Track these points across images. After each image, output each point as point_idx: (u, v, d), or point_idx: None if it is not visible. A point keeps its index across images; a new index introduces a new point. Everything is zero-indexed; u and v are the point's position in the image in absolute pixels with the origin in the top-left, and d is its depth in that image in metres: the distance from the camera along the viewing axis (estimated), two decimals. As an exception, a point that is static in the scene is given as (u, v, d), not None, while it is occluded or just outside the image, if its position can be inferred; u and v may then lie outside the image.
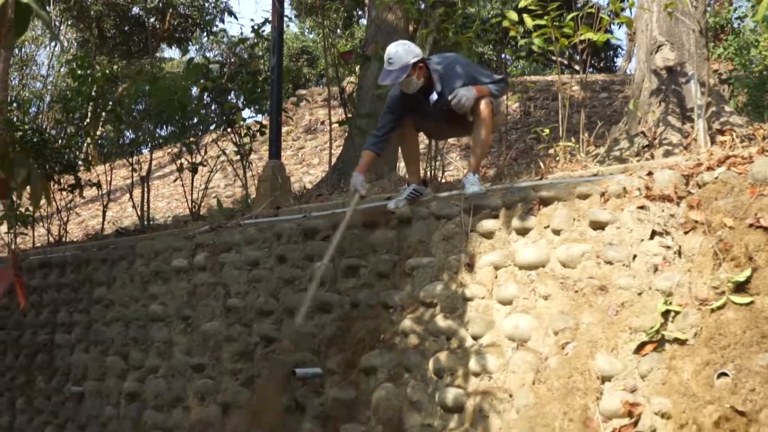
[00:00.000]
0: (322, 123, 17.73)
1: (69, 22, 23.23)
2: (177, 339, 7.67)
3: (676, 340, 4.80)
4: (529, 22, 7.42)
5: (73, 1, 21.31)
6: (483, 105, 6.27)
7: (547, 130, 7.85)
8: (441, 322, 5.86)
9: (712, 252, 4.90)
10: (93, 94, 11.45)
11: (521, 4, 7.29)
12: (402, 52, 6.28)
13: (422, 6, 8.63)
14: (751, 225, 4.84)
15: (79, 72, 11.19)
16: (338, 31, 24.86)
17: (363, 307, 6.41)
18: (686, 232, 5.09)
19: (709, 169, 5.30)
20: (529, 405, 5.19)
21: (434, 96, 6.40)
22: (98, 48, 22.35)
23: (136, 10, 21.99)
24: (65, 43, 25.33)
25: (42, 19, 3.79)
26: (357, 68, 10.69)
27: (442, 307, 5.90)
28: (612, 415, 4.82)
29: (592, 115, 16.16)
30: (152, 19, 22.54)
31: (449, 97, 6.23)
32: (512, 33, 7.61)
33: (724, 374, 4.49)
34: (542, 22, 7.29)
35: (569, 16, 7.27)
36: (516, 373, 5.34)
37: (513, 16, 7.49)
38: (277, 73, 8.87)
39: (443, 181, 9.03)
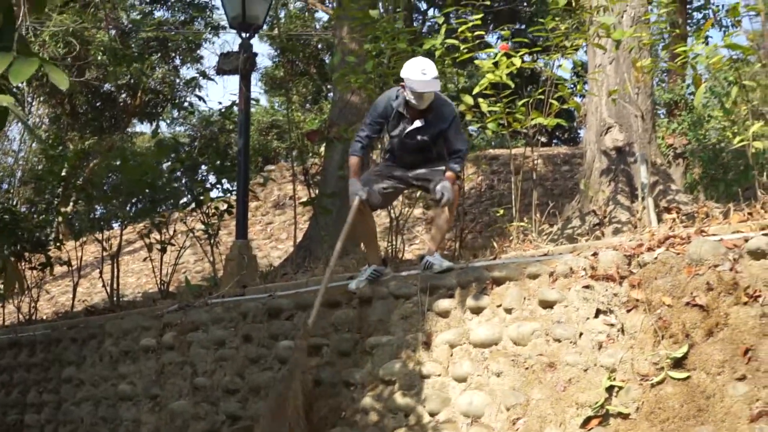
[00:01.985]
0: (291, 198, 18.00)
1: (41, 99, 23.45)
2: (145, 418, 7.79)
3: (620, 414, 5.07)
4: (484, 106, 7.76)
5: (45, 78, 21.58)
6: (454, 190, 6.53)
7: (501, 211, 8.15)
8: (399, 399, 6.09)
9: (652, 329, 5.19)
10: (64, 173, 11.65)
11: (475, 90, 7.63)
12: (434, 66, 6.50)
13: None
14: (687, 303, 5.14)
15: (51, 152, 11.42)
16: (306, 105, 25.24)
17: (325, 385, 6.62)
18: (628, 311, 5.37)
19: (649, 249, 5.60)
20: (483, 479, 5.42)
21: (419, 123, 6.59)
22: (70, 124, 22.60)
23: (107, 86, 22.27)
24: (37, 119, 25.54)
25: (20, 119, 4.02)
26: (322, 148, 11.01)
27: (401, 385, 6.13)
28: (562, 488, 5.06)
29: (554, 188, 16.58)
30: (123, 95, 22.86)
31: (436, 194, 6.44)
32: (468, 116, 7.93)
33: (664, 447, 4.75)
34: (495, 108, 7.64)
35: (520, 102, 7.61)
36: (471, 449, 5.57)
37: (469, 100, 7.81)
38: (243, 155, 9.13)
39: (404, 257, 9.28)
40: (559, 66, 7.80)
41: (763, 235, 5.17)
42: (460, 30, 7.61)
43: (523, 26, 19.88)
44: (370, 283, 6.77)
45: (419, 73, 6.35)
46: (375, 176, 6.87)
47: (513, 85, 7.47)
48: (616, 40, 7.02)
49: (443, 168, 6.65)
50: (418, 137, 6.62)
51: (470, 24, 7.56)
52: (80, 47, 18.17)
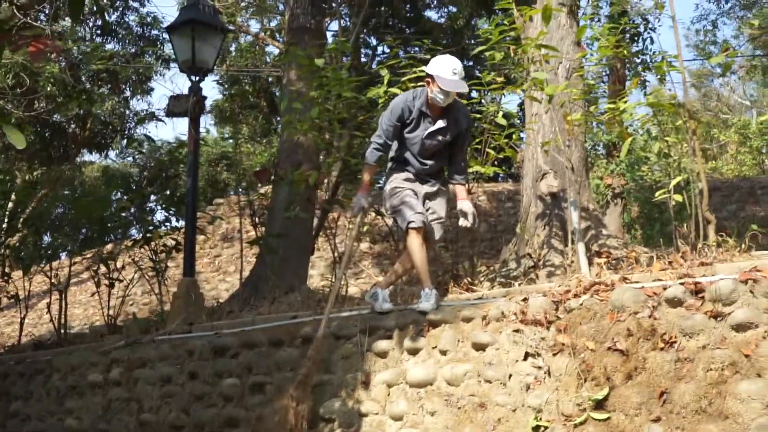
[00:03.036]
0: (239, 231, 18.19)
1: (12, 126, 23.30)
2: (91, 453, 7.94)
3: (546, 453, 5.36)
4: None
5: (-5, 109, 21.55)
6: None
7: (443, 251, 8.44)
8: (339, 437, 6.34)
9: (576, 372, 5.50)
10: (11, 204, 11.74)
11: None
12: (462, 67, 6.54)
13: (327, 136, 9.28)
14: (609, 348, 5.46)
15: (-1, 187, 11.52)
16: (257, 138, 25.44)
17: (268, 423, 6.83)
18: (555, 354, 5.68)
19: (576, 296, 5.93)
20: None
21: (442, 123, 6.63)
22: (18, 154, 22.54)
23: (57, 117, 22.25)
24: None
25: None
26: (269, 188, 11.23)
27: (340, 423, 6.38)
28: None
29: (498, 224, 17.00)
30: (73, 126, 22.86)
31: (467, 216, 6.60)
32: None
33: (584, 484, 5.05)
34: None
35: None
36: (405, 486, 5.83)
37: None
38: (192, 196, 9.31)
39: (348, 293, 9.52)
40: (495, 117, 8.11)
41: (680, 284, 5.52)
42: (402, 80, 7.92)
43: (471, 63, 20.34)
44: (437, 305, 6.51)
45: (450, 72, 6.39)
46: (411, 199, 6.64)
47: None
48: (548, 95, 7.37)
49: (444, 188, 6.88)
50: (440, 137, 6.70)
51: (411, 76, 7.88)
52: (29, 79, 18.17)
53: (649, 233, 13.69)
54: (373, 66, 19.41)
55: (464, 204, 6.63)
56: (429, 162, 6.78)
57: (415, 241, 6.50)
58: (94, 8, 19.36)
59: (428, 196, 6.82)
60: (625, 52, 7.62)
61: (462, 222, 6.61)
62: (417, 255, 6.56)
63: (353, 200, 6.80)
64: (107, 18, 21.10)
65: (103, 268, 10.68)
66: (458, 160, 6.86)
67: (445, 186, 6.99)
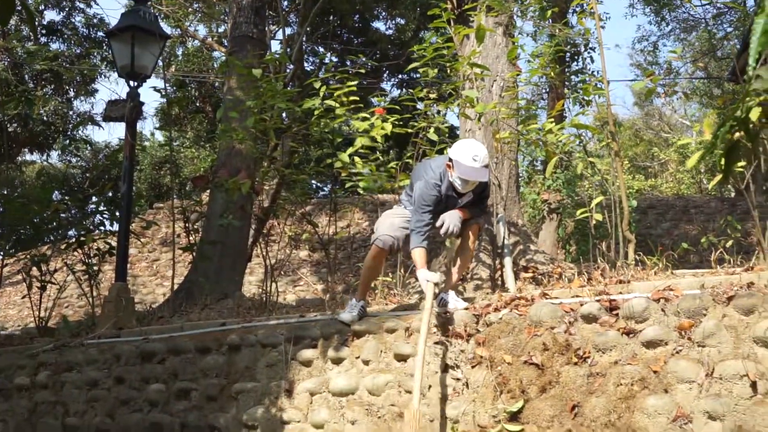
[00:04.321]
0: (179, 236, 18.16)
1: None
2: (15, 456, 7.90)
3: (460, 465, 5.48)
4: (360, 165, 8.18)
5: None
6: (473, 230, 6.61)
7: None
8: (260, 444, 6.40)
9: (493, 385, 5.63)
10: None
11: (350, 150, 8.04)
12: (486, 153, 6.29)
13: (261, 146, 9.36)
14: (525, 362, 5.61)
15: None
16: (201, 142, 25.36)
17: (192, 429, 6.87)
18: (473, 366, 5.80)
19: (496, 310, 6.06)
20: None
21: (466, 198, 6.47)
22: (-44, 152, 22.27)
23: (-3, 115, 22.04)
24: None
25: None
26: (206, 194, 11.25)
27: (263, 430, 6.43)
28: None
29: (438, 236, 17.13)
30: (14, 125, 22.63)
31: (444, 223, 6.32)
32: (343, 174, 8.30)
33: (495, 494, 5.18)
34: (371, 168, 8.06)
35: (390, 165, 8.05)
36: (323, 493, 5.92)
37: (345, 158, 8.19)
38: (126, 201, 9.31)
39: (279, 301, 9.60)
40: (426, 133, 8.24)
41: (596, 300, 5.69)
42: (335, 95, 8.03)
43: (418, 75, 20.54)
44: (360, 318, 6.61)
45: (470, 159, 6.15)
46: (398, 219, 6.60)
47: (380, 147, 7.88)
48: (478, 113, 7.51)
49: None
50: (466, 202, 6.54)
51: (345, 90, 7.99)
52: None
53: (583, 249, 13.92)
54: (320, 74, 19.49)
55: (449, 215, 6.42)
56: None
57: (372, 257, 6.58)
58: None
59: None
60: (552, 73, 7.78)
61: (441, 229, 6.41)
62: (367, 267, 6.67)
63: (420, 275, 6.23)
64: (45, 20, 20.90)
65: (35, 271, 10.60)
66: (477, 206, 6.67)
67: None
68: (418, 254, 6.29)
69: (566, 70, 17.56)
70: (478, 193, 6.56)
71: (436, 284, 6.16)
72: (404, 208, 6.69)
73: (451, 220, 6.35)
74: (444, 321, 6.10)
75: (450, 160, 6.30)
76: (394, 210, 6.78)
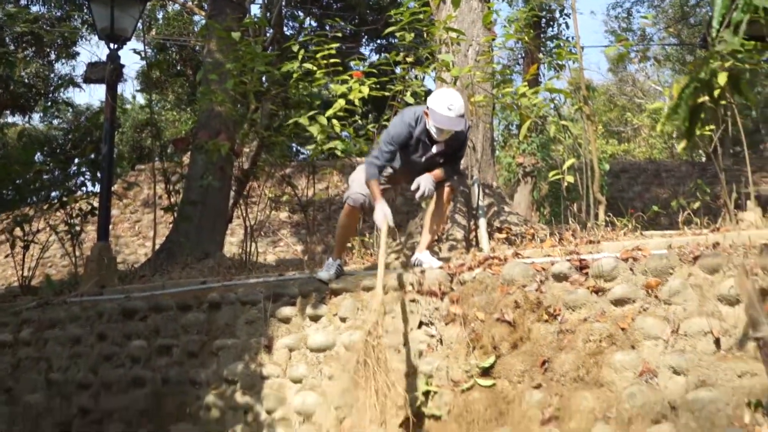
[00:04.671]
0: (160, 197, 18.12)
1: None
2: (-1, 410, 7.92)
3: (433, 416, 5.55)
4: (337, 126, 8.18)
5: None
6: (445, 192, 6.57)
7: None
8: (240, 398, 6.45)
9: (466, 341, 5.70)
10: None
11: (328, 113, 8.04)
12: (462, 103, 6.26)
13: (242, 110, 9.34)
14: (498, 319, 5.67)
15: None
16: (182, 105, 25.23)
17: (173, 384, 6.93)
18: (447, 323, 5.87)
19: (470, 269, 6.12)
20: (309, 473, 5.84)
21: (435, 149, 6.43)
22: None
23: (-22, 78, 21.81)
24: None
25: None
26: (187, 156, 11.23)
27: (242, 384, 6.50)
28: (378, 481, 5.51)
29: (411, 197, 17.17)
30: (-5, 88, 22.43)
31: (419, 187, 6.32)
32: (320, 138, 8.27)
33: (467, 446, 5.26)
34: (348, 131, 8.07)
35: (369, 126, 8.06)
36: (301, 445, 5.99)
37: (323, 120, 8.20)
38: (108, 162, 9.30)
39: (260, 261, 9.64)
40: (403, 96, 8.24)
41: (567, 260, 5.76)
42: (317, 56, 8.01)
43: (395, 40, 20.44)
44: (337, 276, 6.64)
45: (445, 107, 6.14)
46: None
47: (359, 111, 7.88)
48: (454, 77, 7.53)
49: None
50: (437, 158, 6.53)
51: (325, 52, 7.98)
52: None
53: (556, 211, 14.00)
54: (299, 38, 19.40)
55: (423, 178, 6.40)
56: (419, 171, 6.54)
57: (345, 215, 6.58)
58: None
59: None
60: (527, 38, 7.80)
61: (416, 193, 6.38)
62: (341, 226, 6.69)
63: (376, 209, 6.24)
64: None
65: (18, 231, 10.58)
66: (449, 164, 6.62)
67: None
68: (373, 185, 6.32)
69: (541, 35, 17.57)
70: (454, 148, 6.55)
71: (389, 224, 6.13)
72: None
73: (425, 183, 6.35)
74: (419, 279, 6.14)
75: (427, 107, 6.29)
76: (360, 169, 6.74)
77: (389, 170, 6.65)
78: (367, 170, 6.44)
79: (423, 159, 6.48)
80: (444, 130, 6.24)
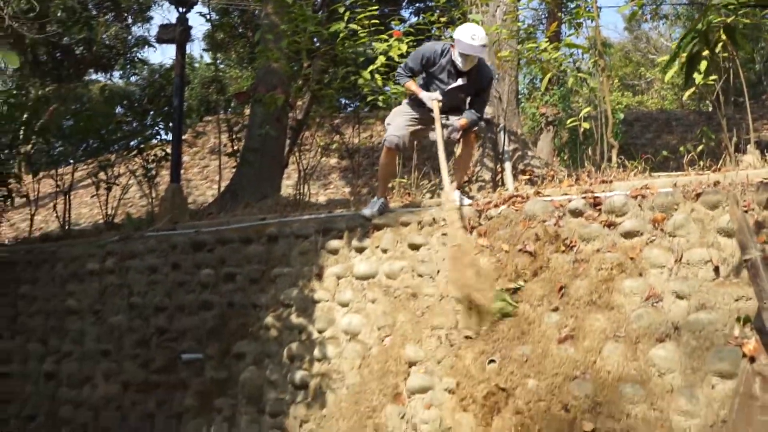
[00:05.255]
0: (225, 145, 18.21)
1: (6, 48, 22.94)
2: (88, 329, 8.07)
3: (464, 336, 5.59)
4: (380, 81, 8.14)
5: (10, 30, 21.13)
6: (470, 138, 6.51)
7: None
8: (295, 319, 6.55)
9: (494, 268, 5.71)
10: (25, 117, 11.67)
11: (371, 68, 7.99)
12: (484, 34, 6.18)
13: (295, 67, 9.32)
14: (520, 250, 5.68)
15: (12, 100, 11.44)
16: (244, 64, 25.12)
17: (237, 306, 7.04)
18: (476, 254, 5.87)
19: (496, 206, 6.12)
20: (355, 383, 5.92)
21: (461, 81, 6.32)
22: (32, 72, 22.21)
23: (66, 39, 21.88)
24: (2, 65, 24.98)
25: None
26: (248, 108, 11.23)
27: (297, 307, 6.59)
28: (415, 391, 5.59)
29: (449, 145, 17.08)
30: (81, 48, 22.49)
31: (449, 127, 6.29)
32: (365, 90, 8.26)
33: (493, 361, 5.30)
34: (389, 84, 8.03)
35: (361, 81, 8.03)
36: (347, 359, 6.07)
37: (366, 75, 8.16)
38: (178, 113, 9.36)
39: (312, 201, 9.68)
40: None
41: (582, 198, 5.73)
42: (358, 17, 7.95)
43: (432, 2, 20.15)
44: (380, 213, 6.61)
45: (469, 37, 6.06)
46: (402, 117, 6.53)
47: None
48: (483, 34, 7.41)
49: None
50: (461, 94, 6.42)
51: (367, 13, 7.91)
52: (41, 5, 17.86)
53: (575, 156, 13.84)
54: (346, 1, 19.20)
55: (454, 119, 6.33)
56: (446, 109, 6.42)
57: (385, 156, 6.53)
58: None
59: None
60: (549, -1, 7.66)
61: (448, 133, 6.32)
62: (382, 167, 6.66)
63: (422, 97, 6.31)
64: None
65: (102, 175, 10.71)
66: (475, 107, 6.48)
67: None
68: (410, 85, 6.45)
69: (562, -3, 17.19)
70: (477, 89, 6.44)
71: (438, 101, 6.24)
72: (409, 106, 6.61)
73: (456, 124, 6.28)
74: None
75: (453, 41, 6.26)
76: (401, 107, 6.71)
77: (421, 110, 6.48)
78: (399, 80, 6.59)
79: (449, 89, 6.34)
80: (468, 57, 6.16)
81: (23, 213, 18.09)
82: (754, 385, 3.91)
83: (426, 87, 6.44)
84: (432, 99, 6.24)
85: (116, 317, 7.87)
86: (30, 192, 11.51)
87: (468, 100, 6.49)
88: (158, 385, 7.21)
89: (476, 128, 6.56)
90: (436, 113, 6.20)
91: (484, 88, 6.53)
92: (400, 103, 7.01)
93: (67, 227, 10.72)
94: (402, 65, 6.57)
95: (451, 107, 6.39)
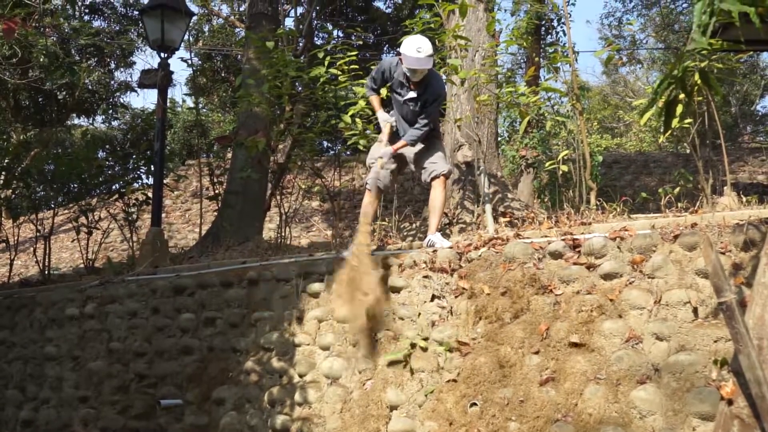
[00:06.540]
0: (206, 188, 18.19)
1: (-14, 94, 22.92)
2: (67, 375, 7.95)
3: (446, 379, 5.56)
4: (360, 125, 8.18)
5: (-10, 76, 21.12)
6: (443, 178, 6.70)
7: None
8: (275, 363, 6.49)
9: (473, 312, 5.70)
10: (6, 162, 11.62)
11: (351, 112, 8.04)
12: (429, 45, 6.37)
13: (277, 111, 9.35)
14: (501, 292, 5.67)
15: (-7, 143, 11.40)
16: (226, 108, 25.24)
17: (217, 351, 6.97)
18: (456, 296, 5.87)
19: (476, 248, 6.11)
20: (336, 428, 5.85)
21: (413, 93, 6.57)
22: (13, 117, 22.19)
23: (48, 84, 21.91)
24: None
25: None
26: (229, 152, 11.24)
27: (277, 351, 6.53)
28: (397, 435, 5.54)
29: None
30: (63, 93, 22.49)
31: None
32: (346, 133, 8.31)
33: (474, 404, 5.26)
34: (369, 128, 8.07)
35: (342, 124, 8.09)
36: (329, 403, 6.00)
37: (347, 119, 8.21)
38: (159, 156, 9.34)
39: (293, 244, 9.65)
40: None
41: (562, 240, 5.74)
42: (338, 63, 8.00)
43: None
44: None
45: (414, 50, 6.26)
46: (376, 161, 6.71)
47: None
48: (461, 79, 7.50)
49: (437, 139, 6.91)
50: (412, 106, 6.63)
51: (347, 58, 7.97)
52: (23, 51, 17.87)
53: (554, 198, 13.92)
54: (328, 48, 19.38)
55: (385, 150, 6.70)
56: (408, 124, 6.74)
57: (366, 199, 6.68)
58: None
59: (420, 154, 6.83)
60: (525, 44, 7.76)
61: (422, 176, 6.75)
62: (363, 209, 6.70)
63: (379, 116, 6.82)
64: (87, 0, 20.73)
65: (83, 219, 10.66)
66: (422, 121, 6.65)
67: (438, 137, 7.00)
68: (373, 101, 6.93)
69: (541, 42, 17.42)
70: (427, 101, 6.62)
71: (390, 123, 6.72)
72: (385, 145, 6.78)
73: (386, 156, 6.65)
74: (431, 258, 6.15)
75: (400, 54, 6.46)
76: (379, 146, 6.89)
77: (394, 123, 6.83)
78: (366, 93, 7.11)
79: (403, 103, 6.66)
80: (417, 71, 6.37)
81: (3, 258, 17.94)
82: (732, 429, 3.89)
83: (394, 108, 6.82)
84: (384, 122, 6.69)
85: (95, 363, 7.76)
86: (10, 237, 11.42)
87: (419, 115, 6.69)
88: (137, 431, 7.10)
89: (445, 173, 6.75)
90: (384, 135, 6.62)
91: (432, 101, 6.67)
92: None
93: (47, 272, 10.62)
94: (368, 77, 6.96)
95: (409, 121, 6.72)
